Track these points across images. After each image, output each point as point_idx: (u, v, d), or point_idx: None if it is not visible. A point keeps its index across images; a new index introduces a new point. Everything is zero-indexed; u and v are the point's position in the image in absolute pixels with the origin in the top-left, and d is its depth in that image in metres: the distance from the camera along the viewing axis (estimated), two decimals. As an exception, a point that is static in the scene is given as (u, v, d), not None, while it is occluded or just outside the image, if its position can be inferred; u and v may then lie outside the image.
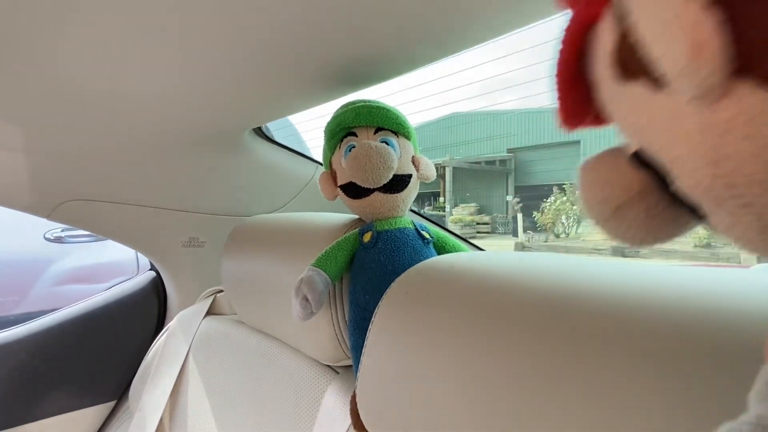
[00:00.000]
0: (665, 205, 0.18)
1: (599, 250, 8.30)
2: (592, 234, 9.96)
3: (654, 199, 0.18)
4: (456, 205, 12.84)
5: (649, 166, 0.17)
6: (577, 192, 0.20)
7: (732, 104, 0.12)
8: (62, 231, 2.25)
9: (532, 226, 10.94)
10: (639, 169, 0.17)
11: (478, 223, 12.04)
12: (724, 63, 0.12)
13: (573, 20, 0.18)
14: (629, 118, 0.16)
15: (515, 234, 10.93)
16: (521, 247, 9.35)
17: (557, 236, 10.49)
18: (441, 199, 13.17)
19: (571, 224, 10.51)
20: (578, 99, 0.19)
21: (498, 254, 0.41)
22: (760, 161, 0.12)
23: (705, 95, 0.12)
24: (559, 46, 0.18)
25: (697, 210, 0.16)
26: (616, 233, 0.18)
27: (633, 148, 0.17)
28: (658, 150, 0.16)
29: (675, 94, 0.14)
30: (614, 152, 0.19)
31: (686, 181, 0.15)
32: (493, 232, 12.01)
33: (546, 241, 10.10)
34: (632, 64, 0.15)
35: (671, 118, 0.14)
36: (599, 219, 0.19)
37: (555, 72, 0.19)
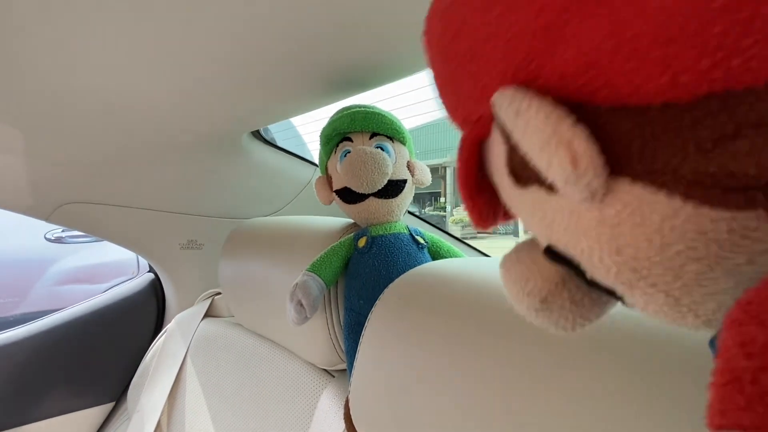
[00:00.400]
0: (586, 290, 0.18)
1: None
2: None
3: (574, 286, 0.18)
4: (457, 206, 12.82)
5: (562, 258, 0.17)
6: (504, 287, 0.21)
7: (616, 199, 0.14)
8: (63, 231, 2.25)
9: (533, 227, 10.90)
10: (553, 262, 0.18)
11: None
12: (599, 168, 0.13)
13: (465, 138, 0.19)
14: (534, 218, 0.17)
15: (516, 234, 10.91)
16: (522, 247, 9.33)
17: (559, 237, 10.47)
18: (442, 199, 13.15)
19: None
20: (486, 202, 0.20)
21: (490, 261, 0.41)
22: (653, 245, 0.14)
23: (591, 196, 0.14)
24: (458, 162, 0.20)
25: (614, 292, 0.17)
26: (549, 323, 0.19)
27: (543, 244, 0.18)
28: (565, 244, 0.16)
29: (566, 197, 0.15)
30: (530, 247, 0.20)
31: (596, 270, 0.16)
32: (494, 232, 12.00)
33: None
34: (525, 172, 0.16)
35: (570, 216, 0.15)
36: (530, 311, 0.19)
37: (459, 184, 0.20)
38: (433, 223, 1.07)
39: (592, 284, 0.17)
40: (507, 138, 0.16)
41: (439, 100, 0.20)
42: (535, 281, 0.19)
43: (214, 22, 0.41)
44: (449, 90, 0.19)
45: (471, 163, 0.19)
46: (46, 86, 0.54)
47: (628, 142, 0.13)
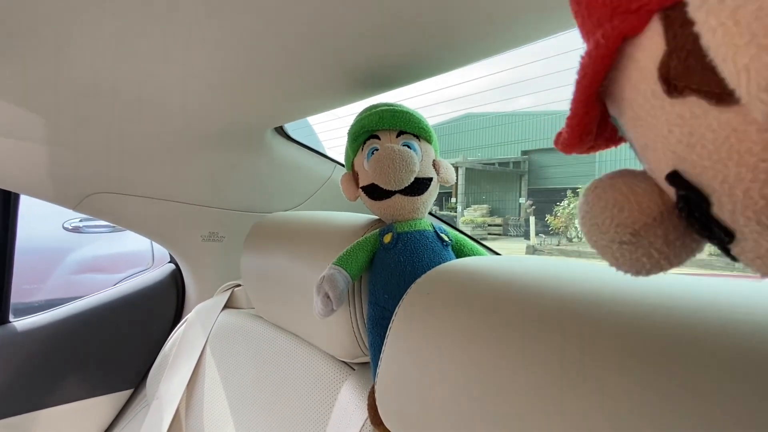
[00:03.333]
0: (682, 231, 0.17)
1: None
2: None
3: (672, 225, 0.17)
4: (468, 206, 12.80)
5: (687, 185, 0.16)
6: (582, 215, 0.19)
7: None
8: (80, 221, 2.29)
9: (544, 230, 10.86)
10: (667, 190, 0.17)
11: (489, 225, 12.00)
12: None
13: (610, 33, 0.17)
14: (671, 135, 0.16)
15: (527, 237, 10.86)
16: (533, 250, 9.30)
17: (570, 240, 10.40)
18: (453, 199, 13.14)
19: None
20: (594, 119, 0.19)
21: (518, 259, 0.42)
22: None
23: None
24: (589, 61, 0.17)
25: (717, 235, 0.16)
26: (628, 259, 0.18)
27: (667, 168, 0.16)
28: (705, 168, 0.15)
29: (744, 112, 0.13)
30: (626, 175, 0.19)
31: (733, 204, 0.14)
32: (504, 234, 11.95)
33: (558, 245, 10.02)
34: (685, 77, 0.14)
35: (731, 135, 0.14)
36: (612, 243, 0.18)
37: (580, 88, 0.18)
38: (446, 221, 1.08)
39: (704, 223, 0.16)
40: (673, 35, 0.14)
41: None
42: (630, 211, 0.17)
43: (243, 20, 0.42)
44: None
45: (605, 63, 0.17)
46: (77, 78, 0.55)
47: None
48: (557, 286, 0.33)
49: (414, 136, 0.55)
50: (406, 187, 0.52)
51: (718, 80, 0.12)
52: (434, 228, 0.55)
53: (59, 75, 0.55)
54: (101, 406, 1.05)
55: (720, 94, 0.13)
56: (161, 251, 1.15)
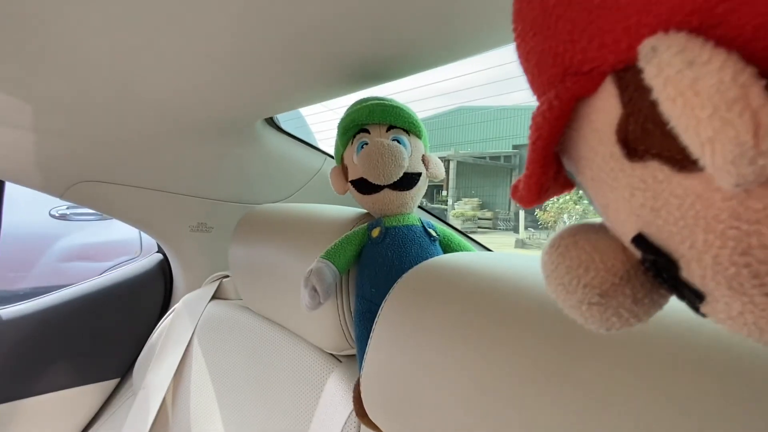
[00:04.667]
0: (649, 288, 0.17)
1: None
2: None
3: (638, 283, 0.17)
4: (459, 199, 12.84)
5: (651, 249, 0.15)
6: (547, 274, 0.19)
7: None
8: (67, 209, 2.27)
9: (533, 224, 10.93)
10: (632, 250, 0.17)
11: (479, 219, 12.04)
12: None
13: (563, 93, 0.16)
14: (633, 199, 0.15)
15: (516, 230, 10.93)
16: (522, 243, 9.36)
17: (559, 234, 10.47)
18: (444, 192, 13.17)
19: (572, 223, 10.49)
20: (551, 177, 0.18)
21: (502, 255, 0.42)
22: None
23: (750, 184, 0.11)
24: (543, 121, 0.17)
25: (688, 296, 0.15)
26: (598, 319, 0.17)
27: (632, 231, 0.16)
28: (672, 234, 0.14)
29: (709, 179, 0.13)
30: (588, 231, 0.18)
31: (701, 269, 0.14)
32: (494, 228, 12.01)
33: (547, 239, 10.09)
34: (645, 142, 0.14)
35: (697, 201, 0.13)
36: (581, 305, 0.17)
37: (535, 148, 0.17)
38: (435, 215, 1.09)
39: (673, 284, 0.16)
40: (629, 99, 0.14)
41: (529, 40, 0.17)
42: (596, 271, 0.17)
43: (233, 9, 0.42)
44: (556, 29, 0.16)
45: (560, 124, 0.17)
46: (63, 65, 0.54)
47: None
48: (541, 281, 0.34)
49: (404, 130, 0.55)
50: (395, 182, 0.53)
51: (680, 147, 0.12)
52: (422, 223, 0.55)
53: (47, 63, 0.54)
54: (88, 395, 1.05)
55: (682, 160, 0.13)
56: (149, 240, 1.14)
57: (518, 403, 0.29)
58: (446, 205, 12.60)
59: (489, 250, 0.99)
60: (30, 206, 2.12)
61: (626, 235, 0.16)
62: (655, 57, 0.12)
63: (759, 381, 0.22)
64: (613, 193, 0.16)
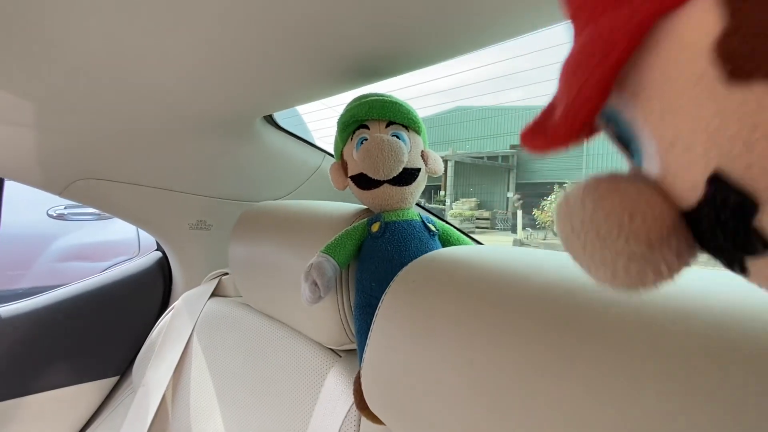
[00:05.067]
0: (692, 242, 0.15)
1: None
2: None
3: (684, 235, 0.15)
4: (456, 199, 12.86)
5: (729, 190, 0.14)
6: (574, 229, 0.17)
7: None
8: (65, 208, 2.27)
9: (531, 224, 10.95)
10: (686, 194, 0.15)
11: (477, 218, 12.06)
12: None
13: (644, 5, 0.14)
14: (725, 130, 0.13)
15: (514, 230, 10.95)
16: (519, 243, 9.38)
17: (556, 234, 10.50)
18: (442, 192, 13.18)
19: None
20: (599, 108, 0.16)
21: (501, 248, 0.43)
22: None
23: None
24: (621, 38, 0.15)
25: (753, 248, 0.14)
26: (636, 275, 0.16)
27: (703, 170, 0.14)
28: (762, 172, 0.13)
29: None
30: (632, 177, 0.16)
31: None
32: (492, 227, 12.03)
33: (545, 239, 10.11)
34: (754, 61, 0.12)
35: None
36: (618, 256, 0.15)
37: (591, 77, 0.15)
38: (434, 214, 1.09)
39: (734, 231, 0.14)
40: (734, 10, 0.12)
41: None
42: (643, 218, 0.15)
43: (231, 6, 0.42)
44: None
45: (633, 45, 0.14)
46: (62, 61, 0.55)
47: None
48: (539, 273, 0.34)
49: (403, 126, 0.55)
50: (394, 177, 0.53)
51: None
52: (421, 218, 0.56)
53: (49, 61, 0.54)
54: (87, 393, 1.05)
55: None
56: (147, 240, 1.15)
57: (518, 393, 0.29)
58: (444, 205, 12.62)
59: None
60: (28, 206, 2.11)
61: (697, 174, 0.14)
62: None
63: (760, 374, 0.22)
64: (693, 123, 0.14)
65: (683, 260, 0.15)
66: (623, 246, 0.15)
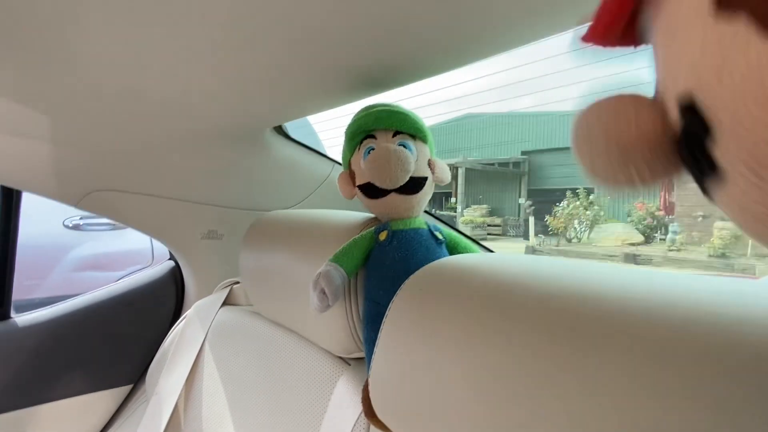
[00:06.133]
0: (671, 160, 0.16)
1: (611, 256, 8.23)
2: (605, 240, 9.89)
3: (666, 150, 0.16)
4: (468, 206, 12.82)
5: (694, 116, 0.15)
6: (588, 119, 0.18)
7: None
8: (80, 219, 2.31)
9: (543, 230, 10.87)
10: (670, 111, 0.16)
11: (489, 225, 12.01)
12: None
13: None
14: (703, 57, 0.14)
15: (526, 237, 10.87)
16: (532, 250, 9.31)
17: (569, 241, 10.41)
18: (453, 199, 13.15)
19: (583, 229, 10.42)
20: (626, 12, 0.17)
21: (508, 256, 0.43)
22: None
23: None
24: None
25: (707, 172, 0.15)
26: (611, 175, 0.17)
27: (680, 88, 0.15)
28: (722, 101, 0.13)
29: None
30: (634, 94, 0.18)
31: (738, 145, 0.13)
32: (504, 234, 11.97)
33: (557, 246, 10.03)
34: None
35: (766, 74, 0.12)
36: (604, 157, 0.17)
37: None
38: (445, 221, 1.10)
39: (695, 156, 0.15)
40: None
41: None
42: (636, 125, 0.16)
43: (242, 22, 0.43)
44: None
45: None
46: (78, 77, 0.56)
47: None
48: (546, 282, 0.35)
49: (410, 136, 0.56)
50: (401, 186, 0.53)
51: None
52: (429, 226, 0.56)
53: (65, 76, 0.56)
54: (101, 401, 1.06)
55: None
56: (161, 249, 1.16)
57: (525, 401, 0.29)
58: (455, 212, 12.58)
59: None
60: (45, 216, 2.15)
61: (674, 91, 0.15)
62: None
63: (759, 376, 0.22)
64: (681, 45, 0.15)
65: (657, 173, 0.17)
66: (610, 148, 0.17)
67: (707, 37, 0.14)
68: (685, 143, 0.16)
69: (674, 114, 0.16)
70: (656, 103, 0.17)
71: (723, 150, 0.14)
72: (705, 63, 0.14)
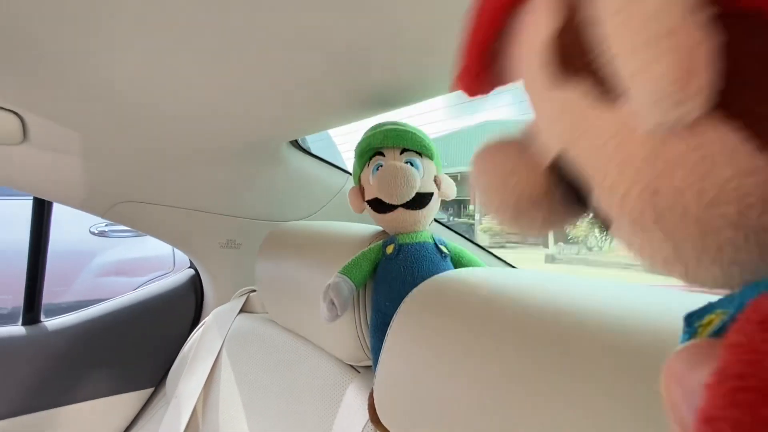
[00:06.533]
0: (565, 208, 0.17)
1: (632, 265, 8.05)
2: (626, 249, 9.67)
3: (558, 197, 0.17)
4: (486, 214, 12.68)
5: (565, 174, 0.15)
6: (476, 176, 0.19)
7: (693, 136, 0.11)
8: (106, 225, 2.38)
9: (563, 238, 10.70)
10: (554, 176, 0.16)
11: (508, 233, 11.85)
12: (710, 95, 0.10)
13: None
14: (557, 123, 0.14)
15: (546, 245, 10.73)
16: (551, 258, 9.18)
17: (590, 249, 10.24)
18: (471, 207, 13.06)
19: (604, 238, 10.23)
20: (487, 67, 0.17)
21: (508, 271, 0.45)
22: (703, 200, 0.11)
23: (673, 127, 0.11)
24: (475, 22, 0.16)
25: (597, 222, 0.15)
26: (515, 226, 0.18)
27: (552, 151, 0.15)
28: (585, 164, 0.14)
29: (629, 116, 0.12)
30: (519, 139, 0.18)
31: (611, 201, 0.13)
32: (523, 242, 11.83)
33: (578, 254, 9.87)
34: (572, 63, 0.13)
35: (613, 136, 0.12)
36: (503, 208, 0.18)
37: (467, 46, 0.17)
38: (459, 231, 1.11)
39: (575, 201, 0.15)
40: (565, 12, 0.13)
41: None
42: (519, 179, 0.17)
43: (264, 45, 0.46)
44: None
45: (492, 27, 0.15)
46: (106, 95, 0.60)
47: (752, 66, 0.10)
48: (544, 297, 0.36)
49: (416, 153, 0.58)
50: (408, 202, 0.56)
51: (609, 74, 0.11)
52: (434, 240, 0.58)
53: (96, 97, 0.60)
54: (124, 404, 1.10)
55: (608, 90, 0.12)
56: (181, 256, 1.20)
57: (525, 411, 0.30)
58: (473, 219, 12.49)
59: (512, 266, 1.00)
60: (73, 223, 2.22)
61: (550, 152, 0.16)
62: None
63: None
64: (540, 112, 0.15)
65: (553, 221, 0.17)
66: (506, 199, 0.17)
67: (555, 106, 0.14)
68: (571, 194, 0.16)
69: (555, 166, 0.16)
70: (536, 153, 0.17)
71: (603, 204, 0.14)
72: (560, 130, 0.14)
